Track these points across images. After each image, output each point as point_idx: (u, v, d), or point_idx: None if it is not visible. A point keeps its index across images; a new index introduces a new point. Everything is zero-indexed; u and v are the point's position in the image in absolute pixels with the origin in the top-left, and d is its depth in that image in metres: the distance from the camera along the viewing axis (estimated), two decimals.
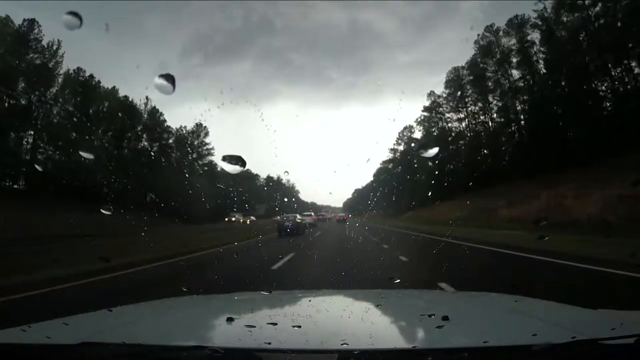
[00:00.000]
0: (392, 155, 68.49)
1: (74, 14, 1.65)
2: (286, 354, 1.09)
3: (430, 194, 45.05)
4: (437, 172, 50.45)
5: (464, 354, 1.07)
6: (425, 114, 57.97)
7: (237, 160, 1.66)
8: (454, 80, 53.22)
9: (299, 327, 1.34)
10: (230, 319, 1.47)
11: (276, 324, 1.42)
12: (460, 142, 52.87)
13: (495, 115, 48.10)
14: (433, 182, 47.29)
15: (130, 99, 52.77)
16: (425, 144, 51.42)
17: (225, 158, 1.66)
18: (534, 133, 37.38)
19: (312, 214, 38.99)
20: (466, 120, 52.90)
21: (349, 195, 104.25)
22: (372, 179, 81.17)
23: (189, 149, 61.82)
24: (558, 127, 34.67)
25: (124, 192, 43.99)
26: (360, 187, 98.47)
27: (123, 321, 1.65)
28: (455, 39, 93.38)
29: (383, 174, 73.86)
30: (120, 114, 49.08)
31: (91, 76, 47.87)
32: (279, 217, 27.02)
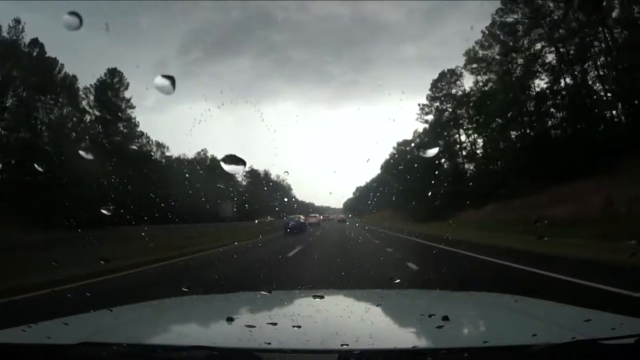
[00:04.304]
0: (424, 114, 44.40)
1: (74, 14, 1.65)
2: (286, 354, 1.09)
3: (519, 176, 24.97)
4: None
5: (464, 354, 1.07)
6: (484, 38, 33.63)
7: (237, 160, 1.65)
8: None
9: (299, 327, 1.34)
10: (230, 319, 1.47)
11: (276, 324, 1.42)
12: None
13: None
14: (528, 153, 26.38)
15: None
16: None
17: (225, 158, 1.65)
18: None
19: (317, 215, 44.74)
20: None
21: (350, 195, 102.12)
22: (379, 171, 64.64)
23: (90, 106, 38.75)
24: None
25: None
26: (362, 184, 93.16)
27: (123, 321, 1.66)
28: (458, 35, 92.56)
29: (393, 166, 50.70)
30: None
31: None
32: (278, 219, 28.71)
